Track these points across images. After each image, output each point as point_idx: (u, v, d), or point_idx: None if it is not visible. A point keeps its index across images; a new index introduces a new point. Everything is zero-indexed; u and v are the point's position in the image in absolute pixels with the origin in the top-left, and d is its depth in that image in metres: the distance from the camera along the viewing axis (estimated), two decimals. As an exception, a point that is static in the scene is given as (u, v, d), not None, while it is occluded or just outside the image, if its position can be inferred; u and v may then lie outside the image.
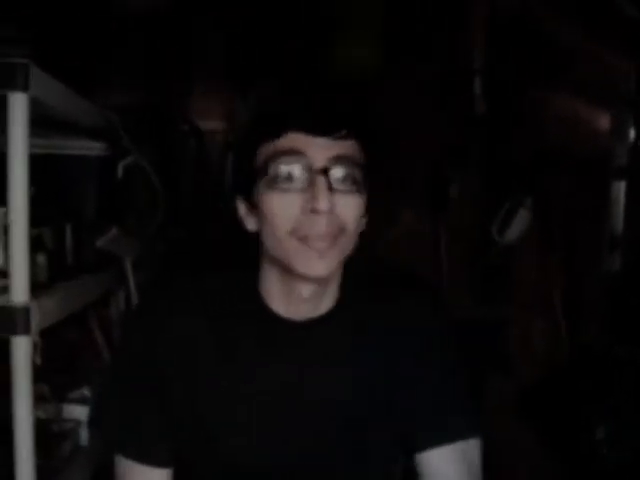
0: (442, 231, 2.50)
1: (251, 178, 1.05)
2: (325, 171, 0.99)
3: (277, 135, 1.00)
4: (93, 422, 1.33)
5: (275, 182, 1.01)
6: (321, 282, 1.09)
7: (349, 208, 1.02)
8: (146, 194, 2.26)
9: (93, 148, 2.07)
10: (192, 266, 1.20)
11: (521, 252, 2.51)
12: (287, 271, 1.06)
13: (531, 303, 2.61)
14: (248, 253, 1.13)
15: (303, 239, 1.01)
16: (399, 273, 1.23)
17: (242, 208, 1.11)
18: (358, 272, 1.17)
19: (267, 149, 1.01)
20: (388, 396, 1.15)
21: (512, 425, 2.47)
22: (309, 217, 0.99)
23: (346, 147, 1.01)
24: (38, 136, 1.40)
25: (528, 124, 2.54)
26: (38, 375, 1.47)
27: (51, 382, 1.83)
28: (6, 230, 1.34)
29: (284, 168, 1.00)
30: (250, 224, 1.10)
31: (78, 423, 1.87)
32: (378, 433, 1.16)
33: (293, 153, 0.99)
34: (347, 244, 1.05)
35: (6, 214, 1.32)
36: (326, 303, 1.14)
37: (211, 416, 1.13)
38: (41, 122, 1.41)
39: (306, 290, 1.09)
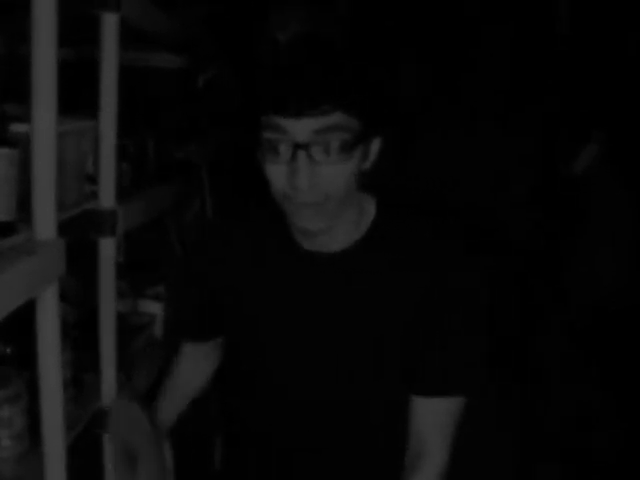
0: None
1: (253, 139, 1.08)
2: (306, 146, 1.00)
3: (260, 116, 1.03)
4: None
5: (266, 154, 1.05)
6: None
7: (334, 178, 1.03)
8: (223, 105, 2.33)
9: (175, 61, 2.15)
10: (244, 198, 1.34)
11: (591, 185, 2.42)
12: None
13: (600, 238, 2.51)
14: None
15: (294, 204, 1.06)
16: (437, 222, 1.21)
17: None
18: (394, 210, 1.20)
19: (257, 122, 1.04)
20: (401, 334, 1.17)
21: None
22: (294, 189, 1.03)
23: (332, 118, 1.00)
24: (123, 51, 1.46)
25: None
26: (119, 273, 1.61)
27: (130, 279, 1.97)
28: (96, 140, 1.45)
29: (271, 143, 1.03)
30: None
31: (153, 318, 2.03)
32: (390, 364, 1.19)
33: (276, 130, 1.01)
34: (336, 205, 1.07)
35: (96, 127, 1.43)
36: (344, 237, 1.17)
37: (249, 325, 1.26)
38: (127, 37, 1.48)
39: (310, 233, 1.13)
